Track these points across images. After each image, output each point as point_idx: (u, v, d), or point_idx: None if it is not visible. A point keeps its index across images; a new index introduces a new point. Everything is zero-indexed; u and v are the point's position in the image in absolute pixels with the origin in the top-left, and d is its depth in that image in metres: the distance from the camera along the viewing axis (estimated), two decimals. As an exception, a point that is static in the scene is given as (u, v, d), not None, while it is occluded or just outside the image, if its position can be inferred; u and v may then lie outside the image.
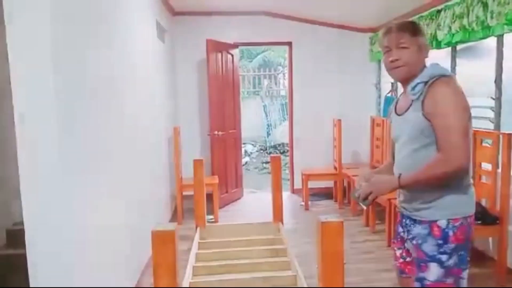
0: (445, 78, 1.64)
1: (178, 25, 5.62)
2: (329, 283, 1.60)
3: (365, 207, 1.88)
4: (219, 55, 5.36)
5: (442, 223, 1.67)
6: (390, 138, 1.99)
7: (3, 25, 1.71)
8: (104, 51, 2.57)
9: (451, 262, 1.67)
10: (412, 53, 1.69)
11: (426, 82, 1.66)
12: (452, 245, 1.67)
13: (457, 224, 1.67)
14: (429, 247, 1.69)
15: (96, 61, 2.41)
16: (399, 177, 1.68)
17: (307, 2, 5.14)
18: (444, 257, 1.67)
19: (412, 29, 1.70)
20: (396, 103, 1.88)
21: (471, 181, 1.76)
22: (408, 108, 1.73)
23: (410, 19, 1.81)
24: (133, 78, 3.30)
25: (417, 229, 1.74)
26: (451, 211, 1.68)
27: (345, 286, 1.62)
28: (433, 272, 1.69)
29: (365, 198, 1.73)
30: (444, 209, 1.68)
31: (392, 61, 1.71)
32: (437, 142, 1.64)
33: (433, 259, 1.69)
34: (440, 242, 1.67)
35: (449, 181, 1.66)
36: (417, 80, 1.69)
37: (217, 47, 5.29)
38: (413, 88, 1.69)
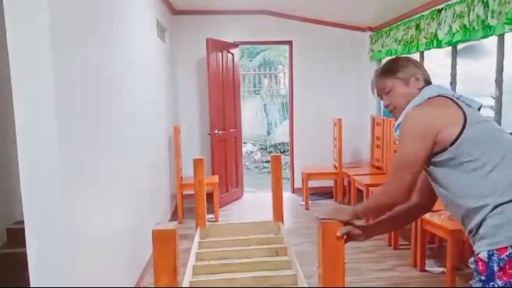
0: (412, 109, 1.54)
1: (178, 24, 5.61)
2: (329, 283, 1.60)
3: None
4: (219, 54, 5.35)
5: (483, 255, 1.37)
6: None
7: (3, 23, 1.71)
8: (104, 51, 2.57)
9: None
10: (398, 92, 1.62)
11: None
12: (499, 283, 1.33)
13: (504, 255, 1.33)
14: (476, 284, 1.41)
15: (96, 60, 2.40)
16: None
17: (307, 1, 5.14)
18: None
19: (390, 69, 1.65)
20: None
21: None
22: None
23: (394, 56, 1.72)
24: (133, 77, 3.29)
25: (471, 260, 1.46)
26: (492, 239, 1.36)
27: (345, 285, 1.61)
28: None
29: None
30: (484, 238, 1.38)
31: (386, 107, 1.69)
32: None
33: None
34: (483, 278, 1.37)
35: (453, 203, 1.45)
36: (398, 121, 1.60)
37: (217, 46, 5.28)
38: (395, 130, 1.62)
